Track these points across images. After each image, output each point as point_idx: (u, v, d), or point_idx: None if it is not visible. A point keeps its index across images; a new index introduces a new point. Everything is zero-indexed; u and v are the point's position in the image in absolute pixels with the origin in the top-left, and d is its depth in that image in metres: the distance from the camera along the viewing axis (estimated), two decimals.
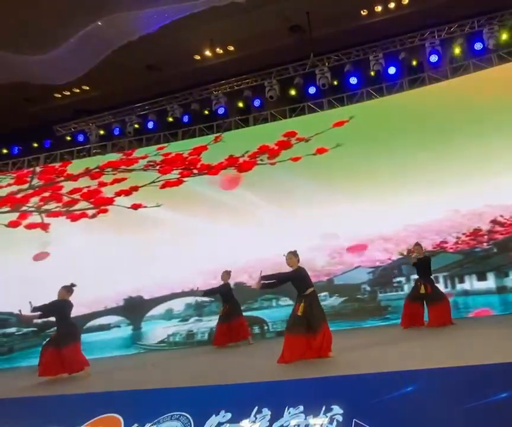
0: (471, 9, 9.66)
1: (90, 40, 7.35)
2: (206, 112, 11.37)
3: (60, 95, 12.07)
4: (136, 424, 3.47)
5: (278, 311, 8.73)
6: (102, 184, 10.55)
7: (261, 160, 9.72)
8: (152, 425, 3.48)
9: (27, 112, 12.27)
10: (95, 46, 7.66)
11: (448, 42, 10.00)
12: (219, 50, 10.94)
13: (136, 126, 11.70)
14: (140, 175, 10.40)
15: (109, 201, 10.31)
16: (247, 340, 7.55)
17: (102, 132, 12.02)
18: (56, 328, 6.29)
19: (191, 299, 9.21)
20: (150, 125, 11.61)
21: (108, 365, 7.55)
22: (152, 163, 10.49)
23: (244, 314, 7.99)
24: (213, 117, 11.23)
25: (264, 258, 8.82)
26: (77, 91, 11.93)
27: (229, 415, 3.33)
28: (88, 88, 11.82)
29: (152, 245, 9.53)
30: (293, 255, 5.40)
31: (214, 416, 3.35)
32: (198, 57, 11.19)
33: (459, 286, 8.03)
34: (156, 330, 9.14)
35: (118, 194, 10.32)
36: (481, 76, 8.94)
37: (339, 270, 8.68)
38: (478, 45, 9.58)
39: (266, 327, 8.68)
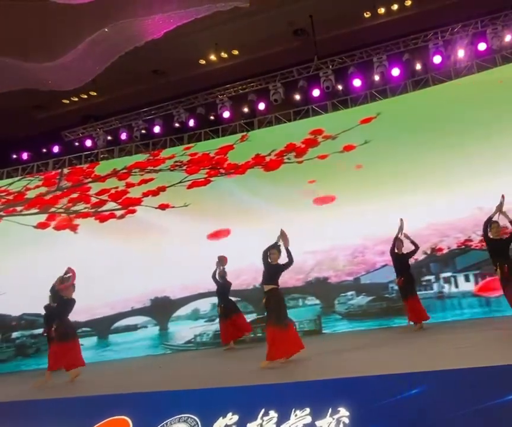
0: (474, 9, 9.60)
1: (97, 47, 7.37)
2: (211, 116, 11.42)
3: (68, 101, 12.16)
4: None
5: (304, 310, 8.67)
6: (130, 185, 10.62)
7: (288, 158, 9.69)
8: None
9: (36, 119, 12.38)
10: (102, 52, 7.68)
11: (452, 43, 9.95)
12: (224, 54, 10.97)
13: (143, 130, 11.76)
14: (167, 176, 10.44)
15: (137, 202, 10.35)
16: (248, 334, 7.58)
17: (109, 138, 12.11)
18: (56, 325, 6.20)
19: (217, 299, 9.17)
20: (157, 129, 11.65)
21: (122, 366, 7.62)
22: (178, 163, 10.52)
23: None
24: (219, 120, 11.26)
25: (283, 259, 8.86)
26: (85, 96, 12.01)
27: (236, 417, 3.33)
28: (95, 93, 11.90)
29: (176, 245, 9.53)
30: (277, 251, 5.34)
31: (221, 418, 3.35)
32: (203, 62, 11.23)
33: None
34: (182, 331, 9.08)
35: (146, 194, 10.35)
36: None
37: (362, 269, 8.59)
38: (482, 46, 9.52)
39: (293, 327, 8.62)
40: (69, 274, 6.34)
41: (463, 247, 8.01)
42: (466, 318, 7.48)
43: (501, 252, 5.85)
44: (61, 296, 6.13)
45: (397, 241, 7.00)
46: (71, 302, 6.19)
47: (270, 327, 4.99)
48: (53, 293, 6.62)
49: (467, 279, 7.54)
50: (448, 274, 7.59)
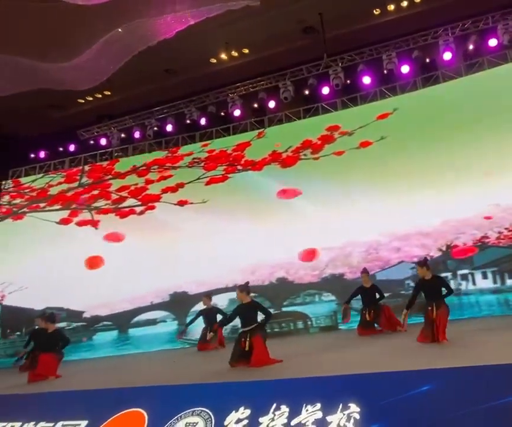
0: (485, 5, 9.39)
1: (111, 47, 7.41)
2: (222, 113, 11.39)
3: (83, 101, 12.24)
4: None
5: (321, 306, 8.60)
6: (149, 182, 10.68)
7: (304, 155, 9.61)
8: (174, 420, 3.51)
9: (52, 118, 12.48)
10: (116, 52, 7.71)
11: (462, 40, 9.76)
12: (234, 53, 10.92)
13: (155, 127, 11.80)
14: (186, 172, 10.46)
15: (156, 198, 10.40)
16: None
17: (123, 136, 12.19)
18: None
19: (234, 294, 9.09)
20: (169, 128, 11.66)
21: (140, 360, 7.69)
22: (196, 160, 10.54)
23: (287, 309, 8.04)
24: (229, 119, 11.23)
25: (298, 255, 8.82)
26: (99, 96, 12.08)
27: (248, 411, 3.33)
28: (109, 93, 11.95)
29: (194, 241, 9.55)
30: (239, 290, 5.41)
31: (234, 412, 3.35)
32: (214, 61, 11.19)
33: (509, 282, 7.56)
34: (201, 325, 8.96)
35: (165, 191, 10.40)
36: None
37: (376, 266, 8.46)
38: (493, 42, 9.30)
39: (309, 322, 8.54)
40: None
41: (480, 244, 7.83)
42: (483, 316, 7.32)
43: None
44: (47, 330, 6.43)
45: (362, 274, 7.09)
46: (56, 333, 6.46)
47: (258, 336, 5.12)
48: (38, 331, 6.90)
49: (484, 276, 7.39)
50: (466, 271, 7.44)
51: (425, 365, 3.69)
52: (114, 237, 10.27)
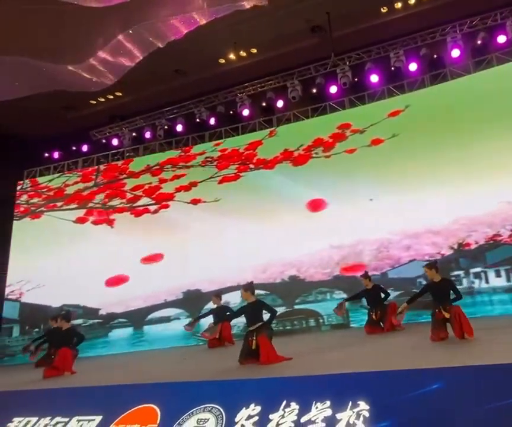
0: (493, 1, 9.21)
1: (123, 48, 7.44)
2: (231, 111, 11.38)
3: (95, 102, 12.33)
4: None
5: (332, 304, 8.45)
6: (163, 181, 10.73)
7: (316, 153, 9.55)
8: (186, 416, 3.51)
9: (66, 119, 12.61)
10: (126, 54, 7.75)
11: (470, 37, 9.59)
12: (243, 53, 10.90)
13: (165, 126, 11.82)
14: (199, 171, 10.49)
15: (170, 197, 10.44)
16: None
17: (134, 134, 12.24)
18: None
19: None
20: (179, 128, 11.68)
21: (154, 357, 7.73)
22: (209, 159, 10.55)
23: (299, 307, 8.04)
24: (238, 118, 11.21)
25: (309, 253, 8.82)
26: (111, 97, 12.15)
27: (258, 408, 3.31)
28: (120, 94, 12.02)
29: (206, 239, 9.58)
30: (244, 290, 5.34)
31: (244, 408, 3.33)
32: (222, 61, 11.19)
33: None
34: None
35: (178, 190, 10.43)
36: None
37: (387, 264, 8.35)
38: (501, 38, 9.12)
39: (321, 320, 8.47)
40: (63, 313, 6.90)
41: (492, 241, 7.68)
42: (496, 314, 7.18)
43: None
44: (61, 328, 6.49)
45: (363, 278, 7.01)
46: (70, 331, 6.52)
47: (263, 336, 5.04)
48: (53, 329, 7.08)
49: (498, 275, 7.24)
50: (478, 269, 7.29)
51: (435, 363, 3.63)
52: (153, 258, 10.22)
